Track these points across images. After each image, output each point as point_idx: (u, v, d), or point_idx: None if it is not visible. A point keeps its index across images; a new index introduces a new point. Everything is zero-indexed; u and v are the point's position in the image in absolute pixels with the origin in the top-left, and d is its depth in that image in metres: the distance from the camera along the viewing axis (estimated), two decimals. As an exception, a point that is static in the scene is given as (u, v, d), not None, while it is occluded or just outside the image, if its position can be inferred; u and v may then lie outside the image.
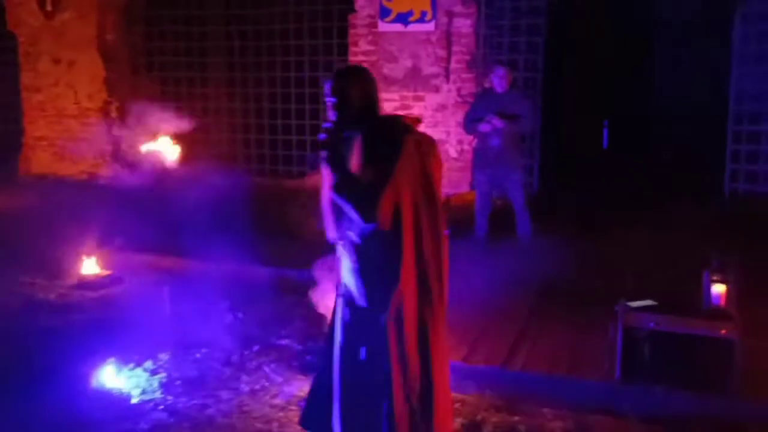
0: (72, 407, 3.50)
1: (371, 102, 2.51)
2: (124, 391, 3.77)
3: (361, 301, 2.51)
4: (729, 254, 3.73)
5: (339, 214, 2.51)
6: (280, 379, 3.93)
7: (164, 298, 4.61)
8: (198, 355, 4.22)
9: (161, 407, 3.59)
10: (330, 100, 2.50)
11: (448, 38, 8.01)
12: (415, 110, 8.28)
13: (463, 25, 7.93)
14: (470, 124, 6.07)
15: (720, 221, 6.61)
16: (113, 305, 5.14)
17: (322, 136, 2.45)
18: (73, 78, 9.61)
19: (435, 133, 8.15)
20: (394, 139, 2.43)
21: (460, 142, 8.16)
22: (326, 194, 2.51)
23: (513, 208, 5.99)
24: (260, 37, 9.32)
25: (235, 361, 4.15)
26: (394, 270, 2.42)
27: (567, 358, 3.86)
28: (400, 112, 8.33)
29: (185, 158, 9.86)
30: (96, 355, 4.10)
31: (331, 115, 2.50)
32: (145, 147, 4.32)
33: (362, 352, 2.48)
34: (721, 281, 3.43)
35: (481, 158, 6.04)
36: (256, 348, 4.32)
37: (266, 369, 4.06)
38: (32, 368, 3.94)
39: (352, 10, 8.39)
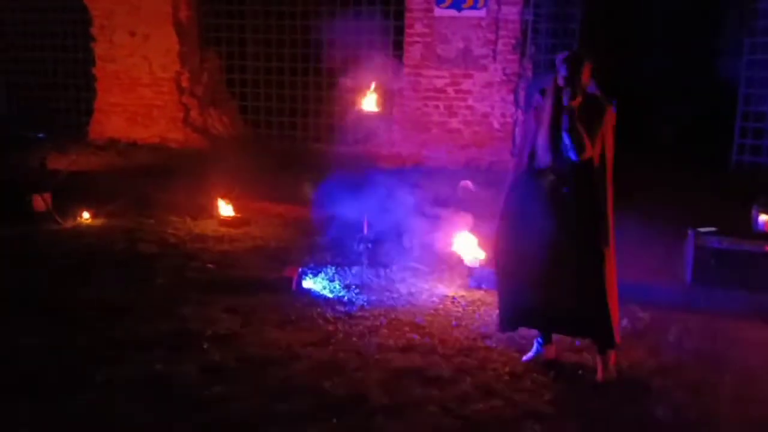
0: (291, 302, 4.66)
1: (588, 79, 3.63)
2: (317, 290, 4.93)
3: (559, 221, 3.63)
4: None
5: (556, 150, 3.63)
6: (426, 286, 5.13)
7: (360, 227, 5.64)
8: (353, 271, 5.38)
9: (350, 300, 4.76)
10: (565, 74, 3.56)
11: (496, 23, 9.15)
12: (464, 86, 9.45)
13: (510, 12, 9.07)
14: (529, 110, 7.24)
15: (733, 183, 7.97)
16: (258, 238, 6.27)
17: (566, 100, 3.53)
18: (147, 50, 10.55)
19: (482, 107, 9.38)
20: (601, 107, 3.60)
21: (503, 115, 9.35)
22: (545, 135, 3.64)
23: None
24: (322, 17, 10.34)
25: (383, 276, 5.32)
26: (588, 189, 3.59)
27: (650, 270, 5.08)
28: (451, 89, 9.57)
29: (249, 125, 10.96)
30: (275, 269, 5.27)
31: (565, 84, 3.56)
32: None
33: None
34: (766, 212, 4.71)
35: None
36: (394, 267, 5.49)
37: (411, 280, 5.25)
38: (243, 277, 5.11)
39: (409, -4, 9.46)
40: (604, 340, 3.69)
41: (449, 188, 8.12)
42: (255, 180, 7.95)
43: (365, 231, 5.36)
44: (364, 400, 3.37)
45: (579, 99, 3.54)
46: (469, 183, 8.04)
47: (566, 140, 3.54)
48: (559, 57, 3.64)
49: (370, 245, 5.75)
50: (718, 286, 4.72)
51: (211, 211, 6.87)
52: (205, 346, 3.93)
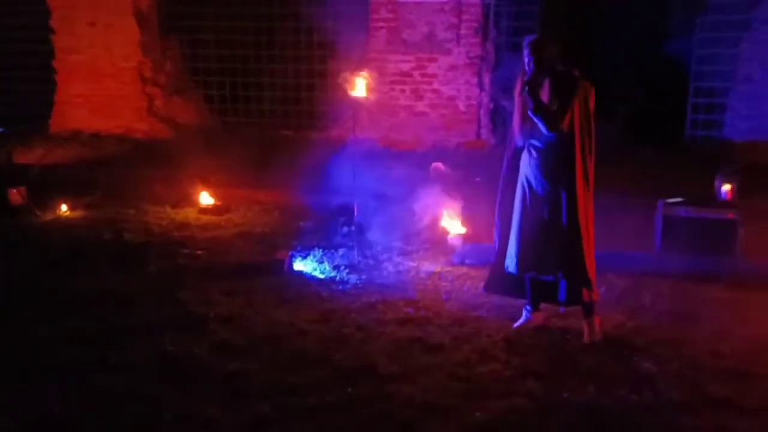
0: (286, 284, 4.82)
1: (555, 59, 3.85)
2: (308, 271, 5.10)
3: (538, 187, 3.89)
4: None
5: (530, 126, 3.86)
6: (413, 264, 5.34)
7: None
8: (341, 253, 5.55)
9: (343, 280, 4.94)
10: (529, 57, 3.82)
11: (459, 8, 9.36)
12: (430, 70, 9.66)
13: (472, -5, 9.30)
14: (499, 92, 7.53)
15: (689, 157, 8.40)
16: (241, 224, 6.38)
17: (528, 78, 3.77)
18: (109, 40, 10.44)
19: (447, 90, 9.61)
20: (573, 83, 3.82)
21: (468, 97, 9.60)
22: (517, 117, 3.88)
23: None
24: (285, 4, 10.39)
25: (370, 256, 5.51)
26: (563, 165, 3.82)
27: (622, 240, 5.39)
28: (417, 73, 9.76)
29: (215, 113, 10.96)
30: (264, 253, 5.41)
31: (529, 67, 3.83)
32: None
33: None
34: (728, 182, 5.06)
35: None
36: (379, 248, 5.69)
37: (397, 259, 5.45)
38: (234, 261, 5.23)
39: (372, -18, 9.59)
40: (588, 294, 3.94)
41: (420, 170, 8.34)
42: (230, 168, 8.01)
43: (355, 213, 5.51)
44: (374, 369, 3.56)
45: (547, 77, 3.76)
46: (440, 165, 8.27)
47: (531, 115, 3.77)
48: (525, 41, 3.85)
49: (354, 227, 5.94)
50: (687, 252, 5.05)
51: (190, 200, 6.94)
52: (211, 327, 4.06)
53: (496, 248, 4.20)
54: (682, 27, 11.06)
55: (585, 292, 3.98)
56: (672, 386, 3.49)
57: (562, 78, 3.83)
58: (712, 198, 5.23)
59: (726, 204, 5.12)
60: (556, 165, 3.87)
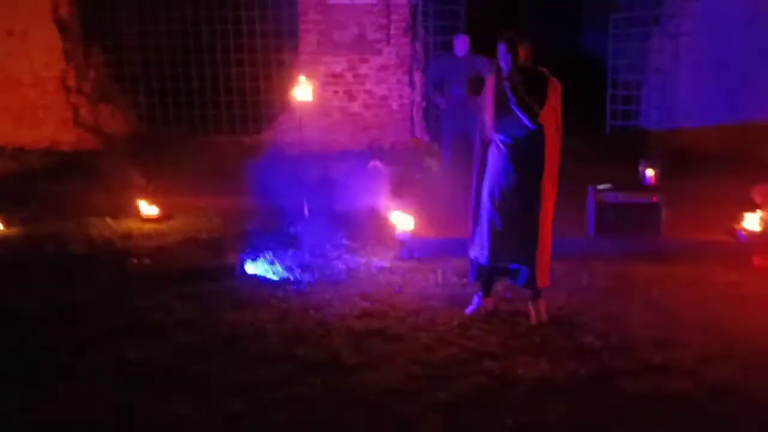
0: (239, 286, 4.88)
1: (528, 56, 4.05)
2: (260, 273, 5.17)
3: (509, 180, 4.08)
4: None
5: (503, 122, 4.03)
6: (362, 260, 5.49)
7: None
8: (290, 253, 5.64)
9: (296, 280, 5.04)
10: (507, 55, 3.97)
11: (387, 8, 9.57)
12: (362, 70, 9.83)
13: (400, -3, 9.52)
14: (432, 90, 7.81)
15: (611, 145, 8.92)
16: (185, 231, 6.36)
17: (505, 75, 3.95)
18: (28, 48, 10.10)
19: (380, 90, 9.81)
20: (545, 79, 4.03)
21: (400, 96, 9.83)
22: (489, 112, 4.07)
23: (472, 142, 7.78)
24: (212, 7, 10.34)
25: (320, 254, 5.62)
26: (534, 158, 4.04)
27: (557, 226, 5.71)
28: (349, 74, 9.91)
29: (144, 121, 10.79)
30: (213, 257, 5.45)
31: (506, 64, 3.98)
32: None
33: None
34: (651, 167, 5.46)
35: (448, 106, 7.77)
36: (327, 246, 5.81)
37: (347, 257, 5.59)
38: (184, 267, 5.24)
39: (299, -16, 9.68)
40: (533, 278, 4.18)
41: (359, 169, 8.53)
42: (166, 176, 7.96)
43: (301, 214, 5.61)
44: (338, 361, 3.70)
45: (521, 74, 3.95)
46: (378, 163, 8.47)
47: (517, 112, 3.95)
48: (498, 39, 4.02)
49: (303, 228, 6.04)
50: (617, 235, 5.41)
51: (130, 210, 6.86)
52: (170, 331, 4.09)
53: (471, 241, 4.34)
54: (597, 22, 11.70)
55: (540, 278, 4.21)
56: (614, 356, 3.78)
57: (534, 74, 4.02)
58: (637, 183, 5.62)
59: (650, 188, 5.52)
60: (527, 158, 4.05)
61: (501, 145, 4.11)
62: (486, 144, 4.23)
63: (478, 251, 4.27)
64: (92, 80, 10.50)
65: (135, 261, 5.51)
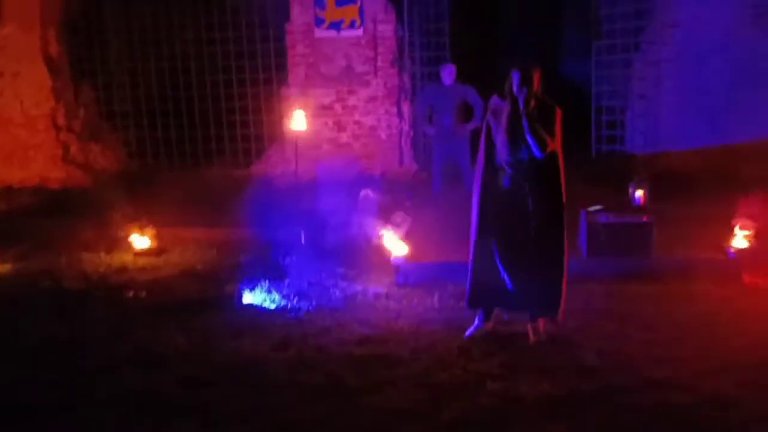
0: (238, 316, 4.89)
1: (539, 86, 4.14)
2: (258, 303, 5.18)
3: (522, 206, 4.14)
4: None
5: (515, 149, 4.11)
6: (359, 288, 5.52)
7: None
8: (287, 282, 5.66)
9: (294, 308, 5.06)
10: (522, 85, 4.03)
11: (374, 41, 9.74)
12: (350, 102, 9.96)
13: (386, 30, 9.70)
14: (421, 119, 7.94)
15: (599, 168, 9.06)
16: (180, 264, 6.37)
17: (521, 105, 4.03)
18: (18, 88, 10.17)
19: (368, 120, 9.93)
20: (552, 109, 4.14)
21: (389, 126, 9.96)
22: (502, 137, 4.14)
23: (461, 169, 7.92)
24: (201, 43, 10.48)
25: (317, 283, 5.65)
26: (551, 180, 4.11)
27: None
28: (338, 105, 10.03)
29: (135, 157, 10.83)
30: (210, 289, 5.46)
31: (521, 94, 4.05)
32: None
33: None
34: (640, 188, 5.57)
35: (437, 134, 7.90)
36: (323, 274, 5.84)
37: (343, 284, 5.62)
38: (182, 299, 5.24)
39: (287, 19, 9.86)
40: (551, 312, 4.23)
41: (350, 198, 8.59)
42: (159, 210, 7.97)
43: (298, 242, 5.64)
44: (342, 385, 3.71)
45: (534, 103, 4.07)
46: (369, 192, 8.53)
47: (530, 141, 4.04)
48: (513, 68, 4.11)
49: (297, 257, 6.08)
50: (610, 255, 5.49)
51: (123, 244, 6.86)
52: (172, 362, 4.09)
53: (473, 263, 4.32)
54: (578, 50, 11.97)
55: (551, 309, 4.26)
56: (614, 374, 3.83)
57: (543, 104, 4.14)
58: (626, 204, 5.73)
59: (640, 209, 5.62)
60: (538, 186, 4.13)
61: (511, 171, 4.15)
62: (493, 168, 4.24)
63: (485, 274, 4.26)
64: (82, 118, 10.57)
65: (131, 294, 5.50)
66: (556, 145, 4.14)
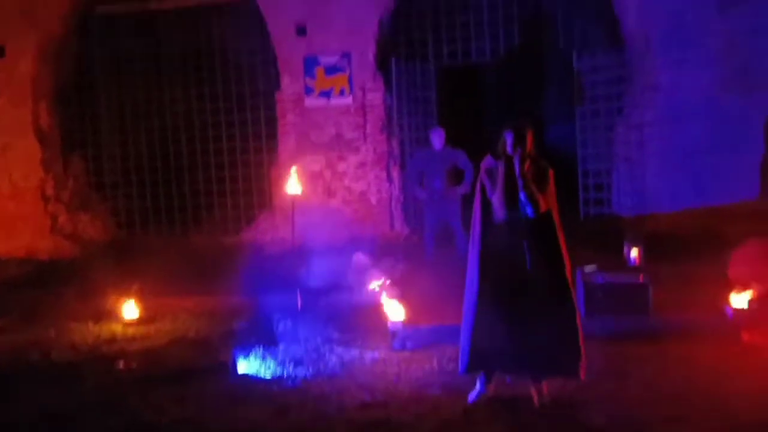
0: (234, 384, 4.77)
1: (533, 145, 4.20)
2: (254, 370, 5.07)
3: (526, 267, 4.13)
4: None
5: (511, 207, 4.13)
6: (356, 353, 5.43)
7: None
8: (282, 348, 5.57)
9: (291, 375, 4.96)
10: (517, 144, 4.09)
11: (363, 109, 9.94)
12: (340, 168, 10.06)
13: (375, 98, 9.92)
14: (412, 183, 8.04)
15: (588, 230, 9.13)
16: (172, 332, 6.25)
17: (516, 165, 4.08)
18: (7, 161, 10.19)
19: (359, 186, 10.02)
20: (546, 169, 4.19)
21: (379, 191, 10.05)
22: (499, 195, 4.17)
23: (453, 232, 7.95)
24: (191, 113, 10.63)
25: (313, 349, 5.56)
26: (552, 239, 4.12)
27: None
28: (328, 171, 10.10)
29: (124, 226, 10.78)
30: (204, 357, 5.35)
31: (516, 153, 4.11)
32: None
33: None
34: (635, 248, 5.61)
35: (428, 198, 7.97)
36: (319, 340, 5.76)
37: (339, 350, 5.53)
38: (175, 368, 5.12)
39: (277, 88, 10.06)
40: (572, 372, 4.15)
41: (342, 263, 8.58)
42: (148, 279, 7.89)
43: (298, 307, 5.57)
44: (345, 453, 3.60)
45: (528, 163, 4.14)
46: (361, 255, 8.52)
47: (524, 200, 4.08)
48: (506, 129, 4.18)
49: (292, 323, 6.00)
50: (607, 315, 5.48)
51: (112, 314, 6.75)
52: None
53: (471, 326, 4.25)
54: (562, 116, 12.28)
55: (574, 366, 4.14)
56: (622, 434, 3.76)
57: (538, 165, 4.20)
58: (621, 264, 5.75)
59: (636, 269, 5.64)
60: (537, 244, 4.12)
61: (509, 229, 4.16)
62: (490, 227, 4.25)
63: (483, 336, 4.18)
64: (71, 188, 10.57)
65: (122, 365, 5.37)
66: (550, 204, 4.17)
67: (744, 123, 9.00)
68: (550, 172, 4.20)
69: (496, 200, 4.20)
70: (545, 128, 13.52)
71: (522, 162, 4.11)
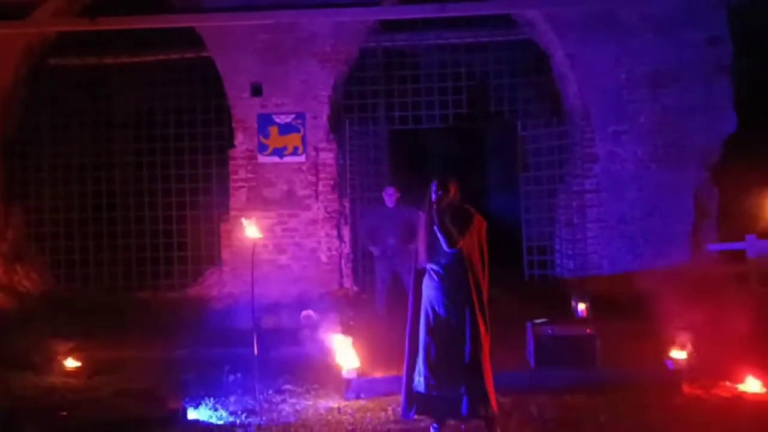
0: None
1: (456, 195, 4.44)
2: (205, 419, 4.95)
3: (441, 308, 4.32)
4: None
5: (432, 251, 4.33)
6: (309, 402, 5.38)
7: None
8: (233, 399, 5.46)
9: (244, 424, 4.86)
10: (438, 192, 4.37)
11: (316, 167, 10.07)
12: (291, 225, 10.09)
13: (327, 157, 10.07)
14: (366, 239, 8.19)
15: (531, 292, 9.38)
16: (117, 383, 6.05)
17: (434, 205, 4.31)
18: (-54, 212, 9.82)
19: (309, 243, 10.04)
20: (470, 214, 4.41)
21: (329, 249, 10.08)
22: (422, 241, 4.35)
23: (405, 286, 8.03)
24: (140, 166, 10.56)
25: (265, 399, 5.47)
26: (462, 287, 4.30)
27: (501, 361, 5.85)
28: (278, 228, 10.11)
29: (62, 279, 10.47)
30: (152, 407, 5.20)
31: (437, 199, 4.36)
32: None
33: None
34: (582, 302, 5.82)
35: (381, 254, 8.08)
36: (270, 391, 5.68)
37: (292, 400, 5.47)
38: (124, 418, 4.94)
39: (231, 145, 10.13)
40: (485, 406, 4.29)
41: (291, 319, 8.55)
42: (92, 332, 7.68)
43: (255, 355, 5.48)
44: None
45: (448, 206, 4.37)
46: (311, 312, 8.50)
47: (438, 235, 4.32)
48: (432, 178, 4.44)
49: (241, 374, 5.90)
50: (557, 366, 5.61)
51: (53, 365, 6.49)
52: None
53: (406, 371, 4.43)
54: (504, 183, 12.74)
55: (482, 406, 4.31)
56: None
57: (461, 210, 4.46)
58: (570, 318, 5.95)
59: (584, 321, 5.84)
60: (456, 287, 4.33)
61: (432, 274, 4.42)
62: (420, 274, 4.51)
63: (416, 378, 4.40)
64: (9, 240, 10.22)
65: (64, 415, 5.14)
66: (472, 248, 4.39)
67: (676, 192, 9.55)
68: (476, 218, 4.46)
69: (420, 247, 4.43)
70: (489, 195, 13.97)
71: (440, 202, 4.31)
